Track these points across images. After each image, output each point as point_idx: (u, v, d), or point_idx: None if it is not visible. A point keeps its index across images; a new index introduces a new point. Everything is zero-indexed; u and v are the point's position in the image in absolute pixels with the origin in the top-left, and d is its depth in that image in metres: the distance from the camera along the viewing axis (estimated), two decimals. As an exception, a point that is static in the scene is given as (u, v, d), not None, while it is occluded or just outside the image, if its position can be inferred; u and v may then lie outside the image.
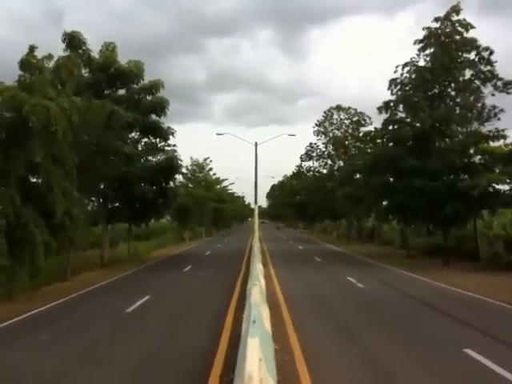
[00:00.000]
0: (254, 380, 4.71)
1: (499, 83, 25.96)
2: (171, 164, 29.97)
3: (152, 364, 8.48)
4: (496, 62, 26.32)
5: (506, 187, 24.05)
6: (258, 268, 16.55)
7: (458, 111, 26.99)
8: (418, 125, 27.27)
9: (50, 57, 18.49)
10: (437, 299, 14.67)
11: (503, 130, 25.39)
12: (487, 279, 18.76)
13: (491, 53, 26.30)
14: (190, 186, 60.55)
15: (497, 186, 24.40)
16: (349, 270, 22.21)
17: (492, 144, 25.26)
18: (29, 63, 17.58)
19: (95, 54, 27.29)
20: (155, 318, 12.59)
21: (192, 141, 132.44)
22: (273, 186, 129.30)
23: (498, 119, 26.39)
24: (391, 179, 29.09)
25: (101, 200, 28.34)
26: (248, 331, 6.83)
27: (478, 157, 26.01)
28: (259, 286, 12.03)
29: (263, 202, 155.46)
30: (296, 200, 79.25)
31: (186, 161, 52.51)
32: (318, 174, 61.64)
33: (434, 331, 10.66)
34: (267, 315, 10.33)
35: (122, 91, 29.04)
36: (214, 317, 12.32)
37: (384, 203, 32.07)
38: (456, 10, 26.35)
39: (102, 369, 8.11)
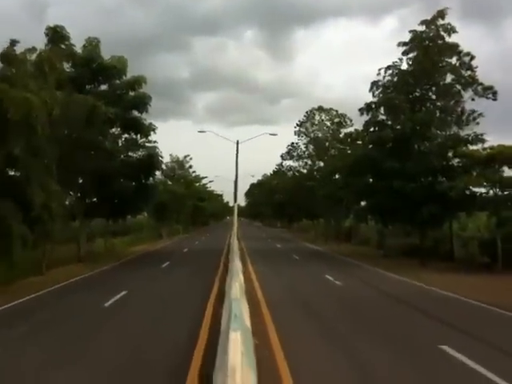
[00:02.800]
0: (237, 372, 4.74)
1: (479, 88, 26.46)
2: (151, 160, 29.84)
3: (130, 359, 8.44)
4: (477, 67, 26.85)
5: (483, 190, 24.55)
6: (236, 265, 16.57)
7: (438, 115, 27.44)
8: (398, 127, 27.67)
9: (32, 50, 18.26)
10: (412, 297, 14.90)
11: (481, 135, 25.91)
12: (462, 279, 19.13)
13: (472, 58, 26.80)
14: (169, 183, 60.25)
15: (473, 189, 24.90)
16: (327, 268, 22.40)
17: (470, 148, 25.74)
18: (10, 56, 17.32)
19: (78, 49, 27.01)
20: (133, 314, 12.53)
21: (173, 138, 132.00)
22: (252, 185, 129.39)
23: (477, 124, 26.93)
24: (371, 180, 29.50)
25: (79, 194, 28.06)
26: (229, 325, 6.87)
27: (457, 160, 26.52)
28: (238, 282, 12.08)
29: (242, 201, 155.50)
30: (275, 199, 79.48)
31: (165, 158, 52.36)
32: (297, 174, 61.98)
33: (409, 327, 10.85)
34: (247, 311, 10.36)
35: (104, 86, 28.83)
36: (193, 312, 12.30)
37: (363, 203, 32.47)
38: (442, 14, 26.76)
39: (76, 366, 7.95)
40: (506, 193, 23.55)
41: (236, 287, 10.50)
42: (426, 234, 28.11)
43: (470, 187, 24.74)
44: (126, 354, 8.71)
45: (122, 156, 29.95)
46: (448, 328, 10.77)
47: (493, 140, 26.81)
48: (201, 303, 13.31)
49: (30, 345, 9.26)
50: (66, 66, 25.34)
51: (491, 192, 23.97)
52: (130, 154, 30.72)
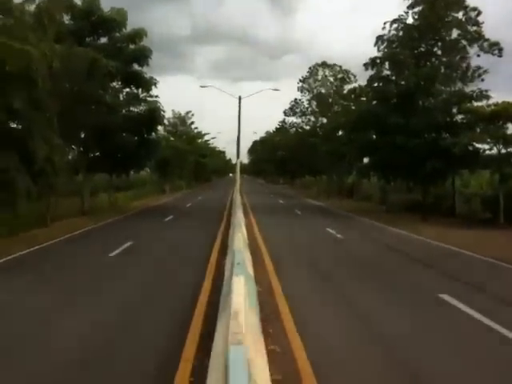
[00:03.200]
0: (240, 314, 4.86)
1: (485, 44, 25.98)
2: (153, 115, 29.56)
3: (137, 303, 8.69)
4: (483, 22, 26.29)
5: (486, 147, 24.48)
6: (239, 218, 16.73)
7: (443, 70, 27.06)
8: (402, 83, 27.35)
9: (31, 1, 17.81)
10: (413, 249, 15.14)
11: (486, 91, 25.67)
12: (463, 233, 19.31)
13: (479, 13, 26.26)
14: (172, 139, 60.01)
15: (477, 145, 24.86)
16: (328, 223, 22.60)
17: (475, 104, 25.52)
18: (8, 6, 16.91)
19: (77, 1, 26.43)
20: (139, 262, 12.77)
21: (174, 94, 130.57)
22: (255, 142, 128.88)
23: (482, 80, 26.71)
24: (374, 136, 29.39)
25: (81, 149, 28.03)
26: (232, 272, 7.01)
27: (461, 116, 26.35)
28: (241, 233, 12.24)
29: (244, 158, 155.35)
30: (277, 156, 79.29)
31: (167, 114, 52.02)
32: (300, 131, 61.64)
33: (409, 277, 11.08)
34: (249, 260, 10.54)
35: (104, 39, 28.36)
36: (197, 261, 12.56)
37: (366, 160, 32.45)
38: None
39: (86, 308, 8.26)
40: (509, 149, 23.51)
41: (239, 239, 10.65)
42: (429, 190, 28.21)
43: (474, 143, 24.69)
44: (135, 297, 9.00)
45: (124, 110, 29.70)
46: (448, 278, 10.97)
47: (503, 97, 26.61)
48: (204, 254, 13.53)
49: (37, 292, 9.45)
50: (66, 19, 24.82)
51: (495, 149, 23.92)
52: (131, 108, 30.46)
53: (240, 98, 40.05)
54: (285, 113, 63.04)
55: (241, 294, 5.66)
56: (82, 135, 27.58)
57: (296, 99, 60.40)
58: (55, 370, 5.59)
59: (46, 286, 9.80)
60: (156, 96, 30.67)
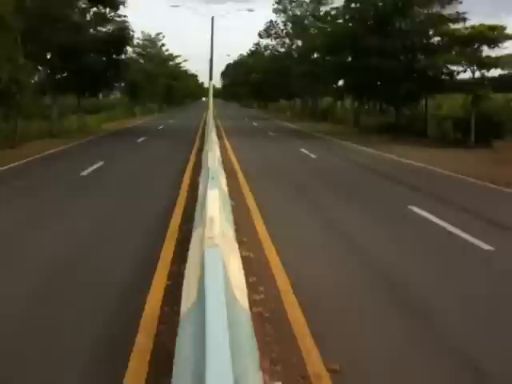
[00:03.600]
0: (215, 220, 4.90)
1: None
2: (121, 34, 28.51)
3: (113, 216, 8.71)
4: None
5: (460, 69, 24.42)
6: (213, 138, 16.56)
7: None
8: (380, 4, 26.70)
9: None
10: (385, 167, 15.38)
11: (463, 13, 25.32)
12: (434, 152, 19.64)
13: None
14: (141, 61, 57.95)
15: (451, 68, 24.80)
16: (302, 143, 22.64)
17: (452, 26, 25.18)
18: None
19: None
20: (112, 180, 12.71)
21: (144, 15, 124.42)
22: (228, 66, 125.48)
23: (460, 2, 26.18)
24: (350, 58, 28.99)
25: (48, 71, 26.96)
26: (206, 186, 7.01)
27: (437, 38, 26.08)
28: (215, 153, 12.15)
29: (218, 83, 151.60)
30: (252, 79, 77.70)
31: (137, 35, 49.91)
32: (276, 53, 60.24)
33: (380, 192, 11.36)
34: (223, 176, 10.55)
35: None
36: (172, 177, 12.59)
37: (340, 82, 32.14)
38: None
39: (64, 219, 8.25)
40: (483, 72, 23.54)
41: (213, 156, 10.58)
42: (402, 112, 28.30)
43: (449, 66, 24.60)
44: (110, 210, 9.01)
45: (92, 30, 28.49)
46: (417, 192, 11.27)
47: (480, 21, 26.18)
48: (178, 173, 13.49)
49: (10, 206, 9.37)
50: None
51: (469, 71, 23.91)
52: (99, 28, 29.18)
53: (213, 19, 38.45)
54: (260, 35, 61.32)
55: (215, 203, 5.69)
56: (49, 56, 26.40)
57: (271, 21, 58.60)
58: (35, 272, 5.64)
59: (16, 202, 9.67)
60: (124, 16, 29.41)
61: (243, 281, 4.88)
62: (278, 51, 60.16)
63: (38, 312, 4.73)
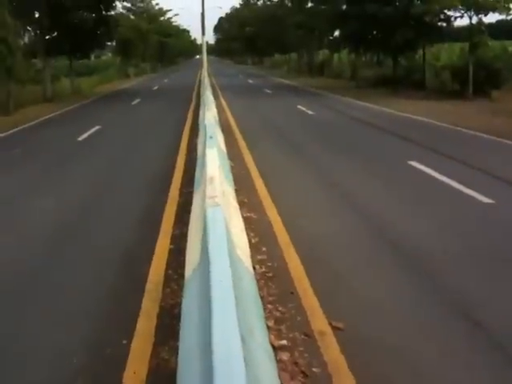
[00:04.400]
0: (215, 179, 4.92)
1: None
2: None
3: (113, 180, 8.74)
4: None
5: (458, 14, 23.83)
6: (208, 97, 16.38)
7: None
8: None
9: None
10: (383, 121, 15.24)
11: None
12: (432, 105, 19.45)
13: None
14: (132, 17, 56.53)
15: (448, 13, 24.23)
16: (299, 100, 22.38)
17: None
18: None
19: None
20: (110, 144, 12.68)
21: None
22: (220, 19, 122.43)
23: None
24: (344, 6, 28.26)
25: (37, 31, 26.31)
26: (205, 145, 6.99)
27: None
28: (212, 111, 12.04)
29: (211, 38, 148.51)
30: (245, 32, 75.98)
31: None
32: (269, 3, 58.76)
33: (380, 148, 11.29)
34: (221, 136, 10.50)
35: None
36: (169, 141, 12.50)
37: (336, 33, 31.48)
38: None
39: (60, 190, 8.26)
40: (480, 16, 22.97)
41: (210, 115, 10.51)
42: (399, 63, 27.85)
43: (445, 11, 24.01)
44: (108, 175, 9.04)
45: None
46: (417, 146, 11.21)
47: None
48: (176, 133, 13.45)
49: (12, 171, 9.45)
50: None
51: (466, 16, 23.31)
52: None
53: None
54: (252, -17, 59.47)
55: (215, 162, 5.70)
56: (37, 15, 25.71)
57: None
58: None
59: (13, 170, 9.68)
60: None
61: (246, 241, 4.95)
62: (270, 1, 58.66)
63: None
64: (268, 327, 3.46)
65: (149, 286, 4.50)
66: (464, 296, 4.31)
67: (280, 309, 3.96)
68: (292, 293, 4.31)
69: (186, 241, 4.68)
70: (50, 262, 5.24)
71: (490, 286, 4.51)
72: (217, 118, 12.71)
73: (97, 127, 15.10)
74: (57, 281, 4.79)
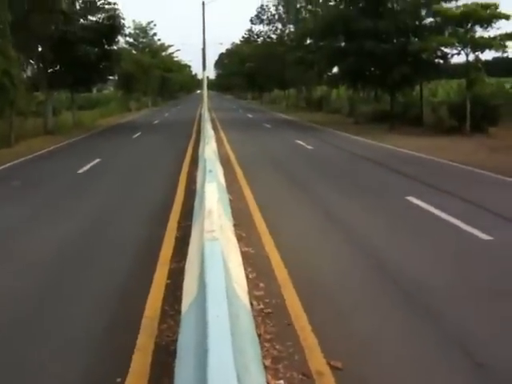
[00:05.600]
0: (213, 213, 4.92)
1: None
2: (113, 23, 28.19)
3: (112, 212, 8.73)
4: None
5: (454, 51, 24.31)
6: (208, 131, 16.56)
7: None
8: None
9: None
10: (381, 157, 15.32)
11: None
12: (430, 141, 19.58)
13: None
14: (134, 52, 57.57)
15: (445, 50, 24.72)
16: (298, 135, 22.60)
17: (444, 6, 24.97)
18: None
19: None
20: (110, 177, 12.72)
21: (135, 2, 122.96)
22: (221, 55, 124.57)
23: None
24: (343, 43, 28.84)
25: (40, 65, 26.75)
26: (204, 180, 7.02)
27: (430, 19, 25.93)
28: (211, 146, 12.15)
29: (211, 73, 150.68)
30: (245, 68, 77.26)
31: (128, 24, 49.42)
32: (268, 40, 59.94)
33: (378, 182, 11.33)
34: (220, 169, 10.55)
35: None
36: (169, 174, 12.55)
37: (335, 69, 32.00)
38: None
39: (59, 224, 8.23)
40: (476, 53, 23.41)
41: (209, 149, 10.61)
42: (396, 99, 28.24)
43: (442, 48, 24.50)
44: (107, 208, 9.02)
45: (82, 20, 28.15)
46: (415, 182, 11.25)
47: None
48: (175, 167, 13.51)
49: (11, 204, 9.40)
50: None
51: (463, 53, 23.77)
52: (89, 17, 28.86)
53: (204, 4, 38.19)
54: (251, 21, 60.88)
55: (214, 196, 5.72)
56: (40, 48, 26.19)
57: (262, 5, 58.35)
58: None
59: (13, 203, 9.66)
60: (114, 3, 29.00)
61: (243, 276, 4.91)
62: (270, 37, 59.89)
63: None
64: (265, 366, 3.39)
65: (145, 321, 4.44)
66: (465, 334, 4.25)
67: (277, 347, 3.89)
68: (289, 324, 4.25)
69: (183, 275, 4.65)
70: (48, 294, 5.18)
71: (491, 326, 4.45)
72: (216, 152, 12.80)
73: (97, 160, 15.18)
74: (52, 313, 4.72)
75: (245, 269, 5.21)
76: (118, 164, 15.06)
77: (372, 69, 26.28)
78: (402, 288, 5.28)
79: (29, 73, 26.54)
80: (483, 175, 11.95)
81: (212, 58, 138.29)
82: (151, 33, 63.94)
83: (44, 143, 20.51)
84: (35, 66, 26.87)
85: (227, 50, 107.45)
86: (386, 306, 4.87)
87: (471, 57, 23.32)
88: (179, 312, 3.86)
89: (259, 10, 58.71)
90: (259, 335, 3.82)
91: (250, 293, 4.54)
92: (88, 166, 13.97)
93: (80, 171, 13.27)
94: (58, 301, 5.04)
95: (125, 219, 8.28)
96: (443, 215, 8.01)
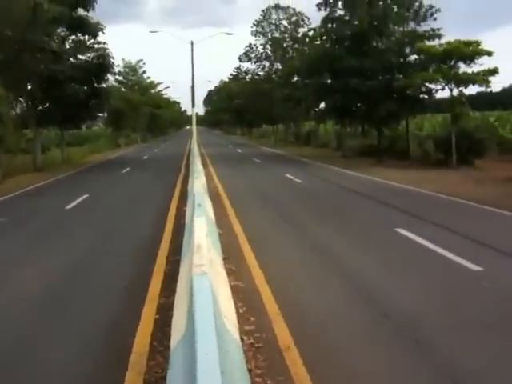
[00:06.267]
0: (202, 248, 4.89)
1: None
2: (102, 62, 28.52)
3: (99, 248, 8.62)
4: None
5: (439, 87, 24.87)
6: (198, 166, 16.62)
7: (395, 9, 27.02)
8: (356, 23, 27.19)
9: None
10: (370, 190, 15.43)
11: (438, 29, 25.83)
12: (417, 174, 19.80)
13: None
14: (123, 89, 58.18)
15: (430, 86, 25.26)
16: (287, 169, 22.75)
17: (428, 43, 25.67)
18: None
19: None
20: (97, 213, 12.62)
21: (125, 42, 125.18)
22: (210, 92, 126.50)
23: (435, 19, 26.81)
24: (329, 80, 29.40)
25: (29, 102, 26.89)
26: (193, 214, 7.00)
27: (414, 56, 26.60)
28: (201, 180, 12.19)
29: (200, 110, 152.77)
30: (234, 104, 78.33)
31: (118, 63, 50.23)
32: (256, 77, 61.03)
33: (367, 215, 11.36)
34: (209, 203, 10.55)
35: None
36: (158, 210, 12.49)
37: (322, 105, 32.54)
38: None
39: (47, 260, 8.13)
40: (461, 89, 23.93)
41: (198, 183, 10.63)
42: (383, 133, 28.66)
43: (427, 84, 25.03)
44: (94, 246, 8.90)
45: (71, 59, 28.45)
46: (404, 214, 11.30)
47: (455, 37, 26.80)
48: (164, 202, 13.46)
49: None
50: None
51: (447, 89, 24.31)
52: (79, 56, 29.19)
53: (192, 43, 38.93)
54: (240, 59, 62.11)
55: (203, 230, 5.70)
56: (29, 87, 26.36)
57: (250, 44, 59.64)
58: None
59: (1, 237, 9.55)
60: (104, 43, 29.42)
61: (233, 310, 4.84)
62: (258, 75, 61.03)
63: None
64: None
65: (133, 357, 4.34)
66: (456, 366, 4.20)
67: (268, 382, 3.82)
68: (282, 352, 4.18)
69: (171, 311, 4.58)
70: (34, 334, 5.07)
71: (482, 359, 4.41)
72: (205, 186, 12.81)
73: (85, 195, 15.12)
74: (41, 353, 4.60)
75: (235, 303, 5.14)
76: (107, 200, 15.00)
77: (358, 104, 26.77)
78: (393, 321, 5.23)
79: (18, 110, 26.61)
80: (470, 206, 12.05)
81: (201, 95, 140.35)
82: (140, 71, 64.84)
83: (33, 179, 20.43)
84: (24, 104, 26.96)
85: (216, 87, 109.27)
86: (377, 339, 4.81)
87: (455, 92, 23.83)
88: (168, 348, 3.78)
89: (247, 48, 60.00)
90: (250, 370, 3.74)
91: (240, 327, 4.47)
92: (76, 202, 13.90)
93: (68, 207, 13.18)
94: (41, 338, 4.93)
95: (113, 256, 8.19)
96: (432, 246, 8.03)
